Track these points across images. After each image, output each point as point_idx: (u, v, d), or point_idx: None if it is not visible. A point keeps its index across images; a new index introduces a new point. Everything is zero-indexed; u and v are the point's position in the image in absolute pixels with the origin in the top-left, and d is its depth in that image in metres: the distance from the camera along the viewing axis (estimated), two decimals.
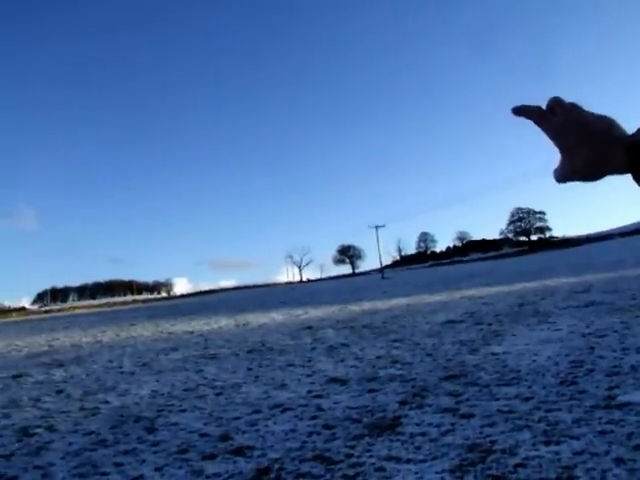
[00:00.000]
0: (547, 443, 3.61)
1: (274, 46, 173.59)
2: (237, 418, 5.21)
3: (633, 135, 0.67)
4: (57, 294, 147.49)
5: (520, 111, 0.75)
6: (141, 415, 5.72)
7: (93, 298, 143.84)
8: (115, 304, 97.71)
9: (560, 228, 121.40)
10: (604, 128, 0.69)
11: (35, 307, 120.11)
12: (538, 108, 0.74)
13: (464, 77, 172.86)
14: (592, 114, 0.71)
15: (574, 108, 0.72)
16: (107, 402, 6.58)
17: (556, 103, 0.72)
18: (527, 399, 4.71)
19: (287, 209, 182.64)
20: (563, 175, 0.73)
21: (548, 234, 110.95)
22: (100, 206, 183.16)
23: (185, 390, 6.88)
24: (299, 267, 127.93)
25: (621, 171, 0.68)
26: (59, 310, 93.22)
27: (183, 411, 5.75)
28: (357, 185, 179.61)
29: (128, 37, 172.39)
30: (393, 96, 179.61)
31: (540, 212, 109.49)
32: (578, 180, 0.73)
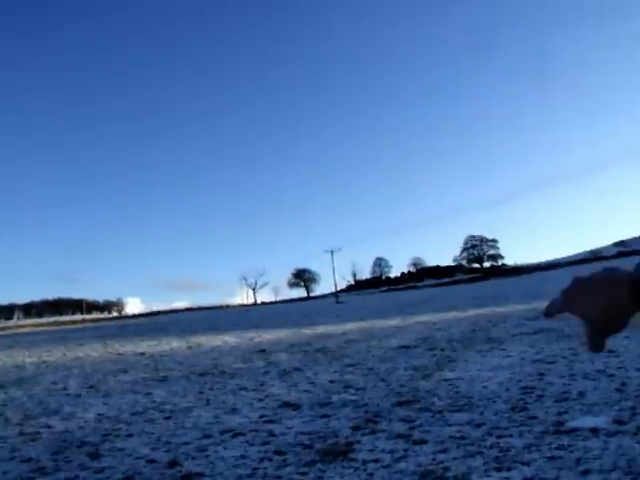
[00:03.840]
0: (498, 469, 3.61)
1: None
2: (186, 443, 5.05)
3: (634, 272, 0.70)
4: (1, 311, 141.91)
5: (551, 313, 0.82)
6: (85, 440, 5.47)
7: (40, 317, 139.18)
8: (63, 323, 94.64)
9: (512, 256, 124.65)
10: (603, 279, 0.73)
11: None
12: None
13: (416, 106, 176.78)
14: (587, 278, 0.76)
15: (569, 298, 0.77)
16: (49, 426, 6.29)
17: (551, 311, 0.81)
18: (479, 425, 4.72)
19: (243, 231, 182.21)
20: (589, 338, 0.76)
21: (500, 262, 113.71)
22: (50, 221, 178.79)
23: (133, 414, 6.65)
24: (253, 289, 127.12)
25: (634, 310, 0.71)
26: (2, 328, 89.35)
27: (130, 436, 5.54)
28: (313, 209, 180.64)
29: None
30: (346, 121, 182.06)
31: (493, 240, 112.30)
32: (610, 334, 0.75)
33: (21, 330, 74.40)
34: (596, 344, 0.75)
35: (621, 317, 0.71)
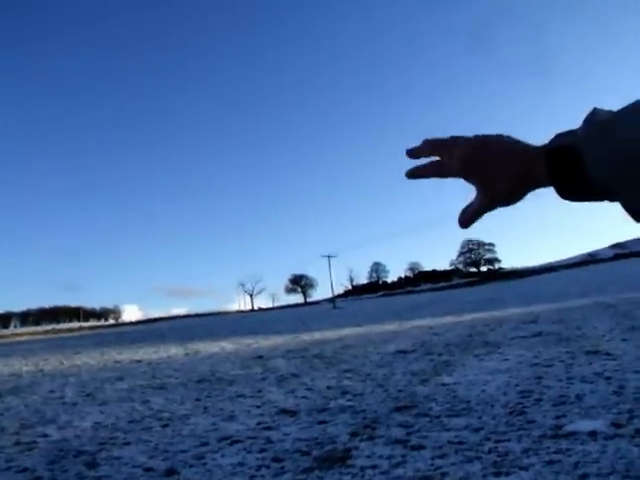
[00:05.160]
0: (497, 474, 3.59)
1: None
2: (184, 451, 5.02)
3: (548, 143, 0.63)
4: None
5: (415, 174, 0.70)
6: (82, 449, 5.44)
7: (37, 324, 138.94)
8: (60, 331, 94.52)
9: (509, 260, 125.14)
10: (514, 146, 0.64)
11: None
12: (431, 164, 0.68)
13: (410, 111, 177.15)
14: (487, 136, 0.66)
15: (458, 140, 0.66)
16: (45, 435, 6.25)
17: (430, 143, 0.68)
18: (477, 430, 4.71)
19: (240, 238, 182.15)
20: (483, 207, 0.67)
21: (497, 265, 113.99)
22: (47, 229, 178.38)
23: (130, 422, 6.62)
24: (251, 296, 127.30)
25: (542, 184, 0.63)
26: None
27: (127, 444, 5.51)
28: (310, 214, 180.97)
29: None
30: (343, 128, 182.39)
31: (489, 244, 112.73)
32: (502, 206, 0.67)
33: (18, 338, 74.17)
34: (477, 216, 0.67)
35: (526, 191, 0.65)
